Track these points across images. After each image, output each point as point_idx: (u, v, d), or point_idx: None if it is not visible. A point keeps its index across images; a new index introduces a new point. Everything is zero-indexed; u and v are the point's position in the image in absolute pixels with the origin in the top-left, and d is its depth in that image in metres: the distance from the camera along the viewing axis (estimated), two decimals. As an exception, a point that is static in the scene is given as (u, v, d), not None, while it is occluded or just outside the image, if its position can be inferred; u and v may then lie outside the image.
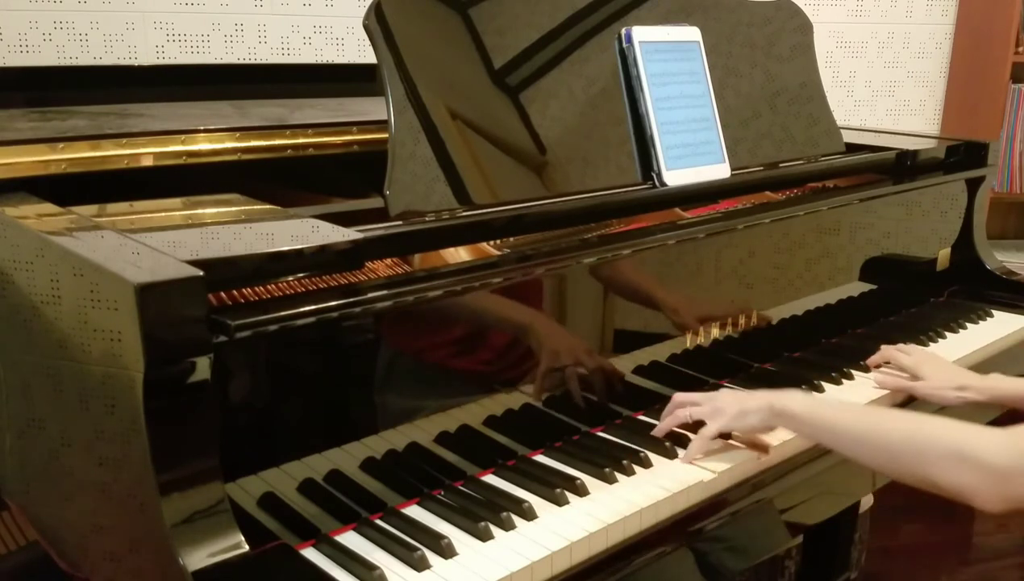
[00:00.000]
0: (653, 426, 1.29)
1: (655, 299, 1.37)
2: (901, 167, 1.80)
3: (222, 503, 0.87)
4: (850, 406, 1.17)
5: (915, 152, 1.81)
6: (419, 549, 0.97)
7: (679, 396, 1.27)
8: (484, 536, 1.02)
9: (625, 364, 1.33)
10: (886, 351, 1.52)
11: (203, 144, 1.28)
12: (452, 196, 1.20)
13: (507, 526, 1.04)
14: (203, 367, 0.86)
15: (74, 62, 2.10)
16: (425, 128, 1.19)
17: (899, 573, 2.45)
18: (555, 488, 1.10)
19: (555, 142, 1.34)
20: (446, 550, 0.98)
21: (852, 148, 1.82)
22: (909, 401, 1.47)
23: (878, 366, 1.51)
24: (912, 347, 1.54)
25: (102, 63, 2.12)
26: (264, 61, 2.30)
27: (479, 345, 1.16)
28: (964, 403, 1.41)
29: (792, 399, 1.19)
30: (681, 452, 1.21)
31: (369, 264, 1.08)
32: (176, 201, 1.19)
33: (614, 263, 1.30)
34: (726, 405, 1.21)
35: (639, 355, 1.35)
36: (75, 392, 0.93)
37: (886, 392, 1.44)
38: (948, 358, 1.56)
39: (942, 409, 1.42)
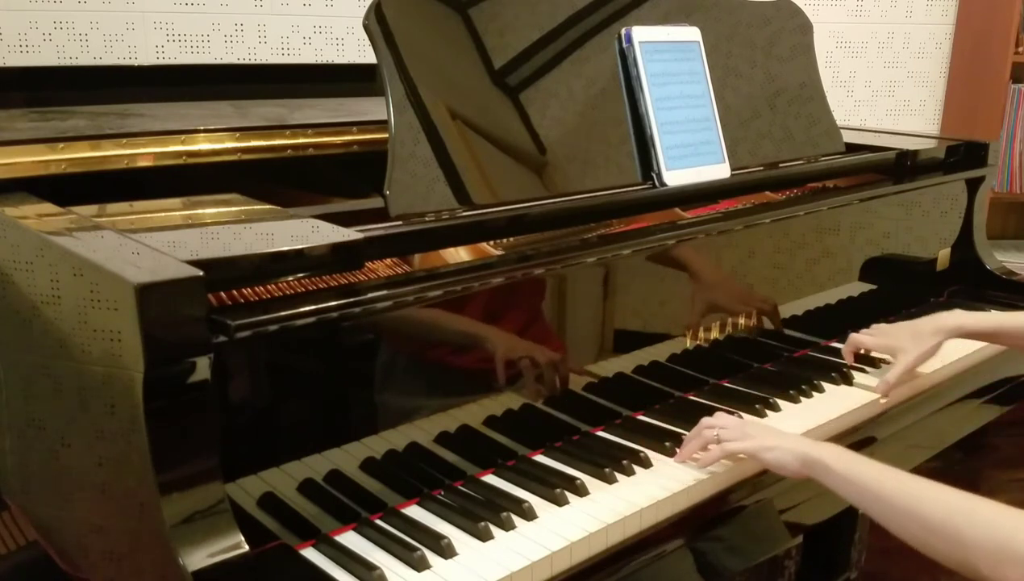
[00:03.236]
0: (653, 426, 1.30)
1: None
2: (901, 167, 1.80)
3: (222, 503, 0.87)
4: (892, 470, 1.07)
5: (915, 152, 1.81)
6: (419, 549, 0.97)
7: (707, 419, 1.22)
8: (484, 536, 1.02)
9: (625, 364, 1.34)
10: (852, 340, 1.54)
11: (203, 144, 1.28)
12: (452, 196, 1.20)
13: (507, 526, 1.04)
14: (203, 367, 0.86)
15: (74, 62, 2.10)
16: (425, 128, 1.19)
17: (899, 573, 2.45)
18: (555, 488, 1.10)
19: (555, 142, 1.34)
20: (446, 550, 0.98)
21: (852, 148, 1.82)
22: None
23: (852, 356, 1.54)
24: (873, 327, 1.55)
25: (102, 63, 2.12)
26: (264, 61, 2.30)
27: (479, 345, 1.16)
28: (940, 345, 1.48)
29: (828, 451, 1.12)
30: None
31: (369, 264, 1.08)
32: (176, 201, 1.19)
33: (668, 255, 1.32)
34: (756, 432, 1.18)
35: (639, 355, 1.35)
36: (75, 392, 0.93)
37: (878, 396, 1.44)
38: (948, 357, 1.57)
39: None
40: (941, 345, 1.48)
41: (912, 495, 1.02)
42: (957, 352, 1.64)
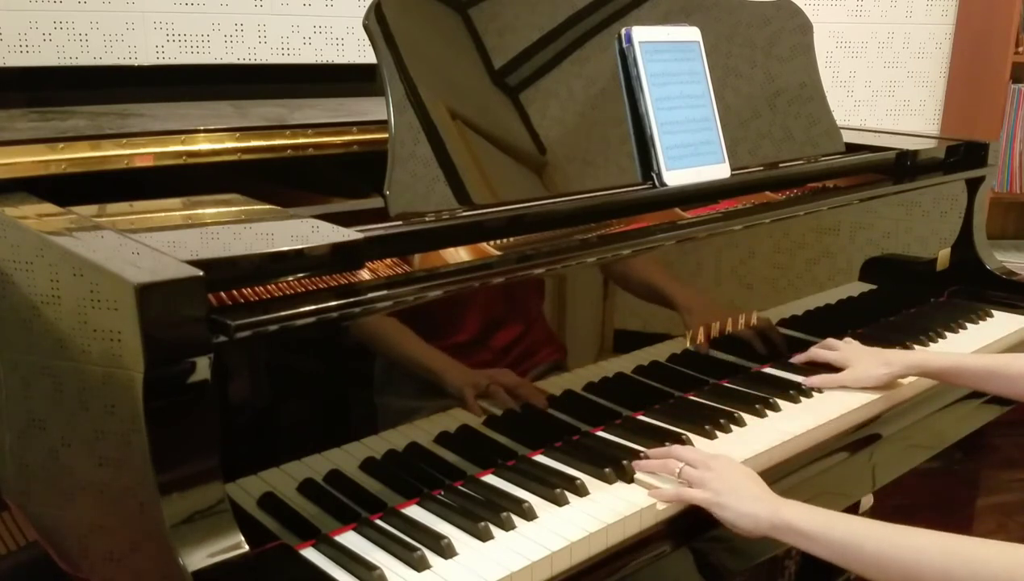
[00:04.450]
0: (653, 426, 1.30)
1: (664, 295, 1.37)
2: (901, 167, 1.80)
3: (222, 503, 0.87)
4: (869, 522, 1.02)
5: (915, 152, 1.81)
6: (419, 549, 0.97)
7: (676, 449, 1.18)
8: (484, 536, 1.02)
9: (625, 364, 1.34)
10: (810, 351, 1.53)
11: (203, 144, 1.28)
12: (452, 196, 1.20)
13: (507, 526, 1.04)
14: (203, 367, 0.86)
15: (74, 62, 2.10)
16: (425, 128, 1.19)
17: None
18: (555, 488, 1.10)
19: (555, 142, 1.34)
20: (446, 550, 0.98)
21: (852, 148, 1.82)
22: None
23: (804, 363, 1.52)
24: (836, 342, 1.55)
25: (102, 63, 2.12)
26: (264, 61, 2.30)
27: (479, 346, 1.16)
28: (892, 377, 1.45)
29: (794, 512, 1.05)
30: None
31: (369, 264, 1.08)
32: (176, 201, 1.19)
33: (624, 261, 1.30)
34: (718, 484, 1.10)
35: (639, 355, 1.35)
36: (75, 392, 0.93)
37: (878, 396, 1.44)
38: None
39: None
40: (895, 378, 1.46)
41: (898, 549, 0.97)
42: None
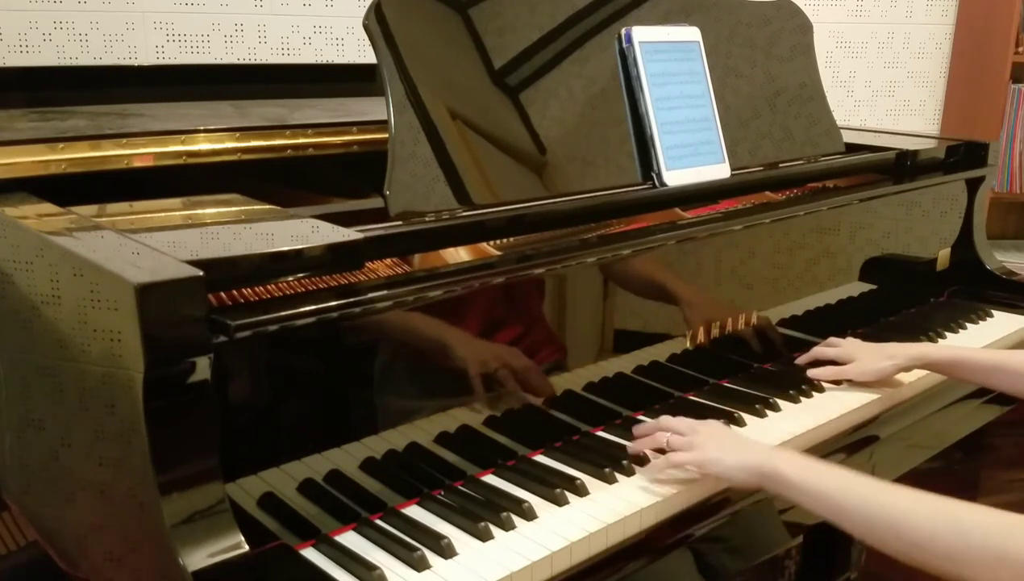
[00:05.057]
0: (653, 426, 1.30)
1: (665, 291, 1.37)
2: (901, 167, 1.80)
3: (222, 503, 0.87)
4: (859, 477, 1.01)
5: (915, 152, 1.81)
6: (419, 549, 0.97)
7: (665, 419, 1.20)
8: (484, 536, 1.02)
9: (625, 364, 1.34)
10: (813, 351, 1.53)
11: (203, 144, 1.28)
12: (452, 196, 1.20)
13: (507, 526, 1.04)
14: (203, 367, 0.86)
15: (74, 62, 2.10)
16: (425, 128, 1.19)
17: (899, 573, 2.45)
18: (555, 488, 1.10)
19: (555, 142, 1.34)
20: (446, 550, 0.98)
21: (852, 148, 1.82)
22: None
23: (808, 363, 1.51)
24: (838, 340, 1.55)
25: (102, 63, 2.12)
26: (264, 61, 2.30)
27: (476, 347, 1.16)
28: (897, 369, 1.46)
29: (787, 461, 1.05)
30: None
31: (369, 264, 1.08)
32: (176, 201, 1.19)
33: (624, 259, 1.30)
34: (706, 443, 1.12)
35: (639, 355, 1.35)
36: (75, 392, 0.93)
37: (878, 396, 1.44)
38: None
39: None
40: (899, 370, 1.46)
41: (887, 503, 0.96)
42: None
